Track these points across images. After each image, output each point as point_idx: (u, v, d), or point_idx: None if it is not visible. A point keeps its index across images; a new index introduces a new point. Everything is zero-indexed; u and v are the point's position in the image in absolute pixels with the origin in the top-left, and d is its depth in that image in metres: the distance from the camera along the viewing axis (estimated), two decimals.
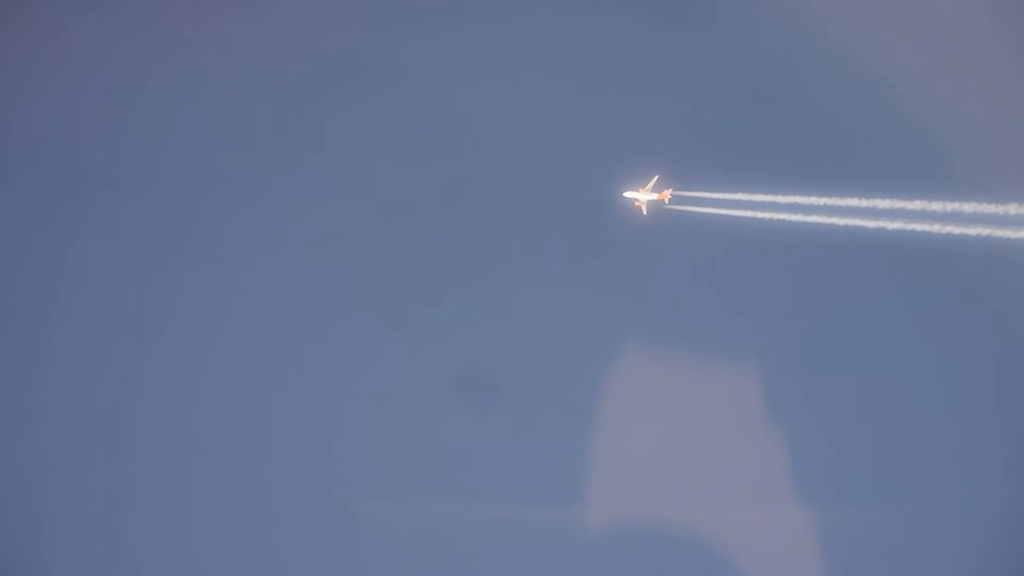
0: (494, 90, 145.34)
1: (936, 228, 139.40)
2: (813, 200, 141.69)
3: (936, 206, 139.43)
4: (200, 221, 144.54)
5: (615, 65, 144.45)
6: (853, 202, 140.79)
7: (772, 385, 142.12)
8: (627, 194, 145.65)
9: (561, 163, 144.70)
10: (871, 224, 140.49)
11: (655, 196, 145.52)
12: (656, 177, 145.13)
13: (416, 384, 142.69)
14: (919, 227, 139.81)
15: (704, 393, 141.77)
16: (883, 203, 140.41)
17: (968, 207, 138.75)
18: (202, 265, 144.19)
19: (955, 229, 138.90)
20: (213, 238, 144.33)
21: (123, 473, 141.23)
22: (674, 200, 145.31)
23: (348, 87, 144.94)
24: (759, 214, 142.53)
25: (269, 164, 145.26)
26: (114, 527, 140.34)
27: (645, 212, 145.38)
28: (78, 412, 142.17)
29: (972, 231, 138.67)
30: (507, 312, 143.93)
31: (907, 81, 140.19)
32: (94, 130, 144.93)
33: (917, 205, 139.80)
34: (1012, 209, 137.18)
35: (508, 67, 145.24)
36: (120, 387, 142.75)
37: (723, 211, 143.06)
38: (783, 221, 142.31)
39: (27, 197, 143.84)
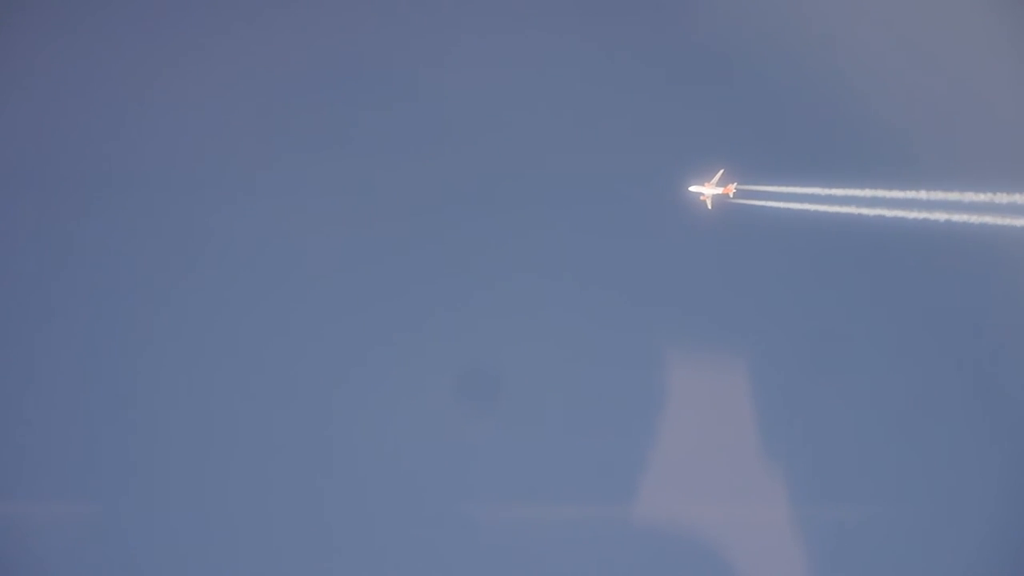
0: (558, 85, 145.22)
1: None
2: (884, 193, 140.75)
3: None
4: (200, 222, 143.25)
5: (679, 58, 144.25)
6: (937, 196, 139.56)
7: (833, 384, 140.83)
8: (692, 188, 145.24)
9: (626, 157, 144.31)
10: (950, 219, 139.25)
11: (720, 190, 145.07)
12: (721, 171, 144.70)
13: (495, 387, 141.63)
14: (1006, 221, 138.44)
15: (757, 393, 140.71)
16: (963, 196, 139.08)
17: None
18: (202, 266, 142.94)
19: None
20: (215, 239, 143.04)
21: (119, 476, 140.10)
22: (739, 194, 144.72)
23: (391, 80, 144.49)
24: (827, 208, 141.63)
25: (280, 164, 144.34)
26: (112, 528, 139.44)
27: (710, 206, 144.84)
28: (76, 413, 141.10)
29: None
30: (570, 308, 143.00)
31: (986, 70, 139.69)
32: (92, 130, 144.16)
33: (1003, 199, 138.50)
34: None
35: (568, 61, 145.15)
36: (118, 389, 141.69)
37: (789, 205, 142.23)
38: (852, 215, 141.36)
39: (22, 198, 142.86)
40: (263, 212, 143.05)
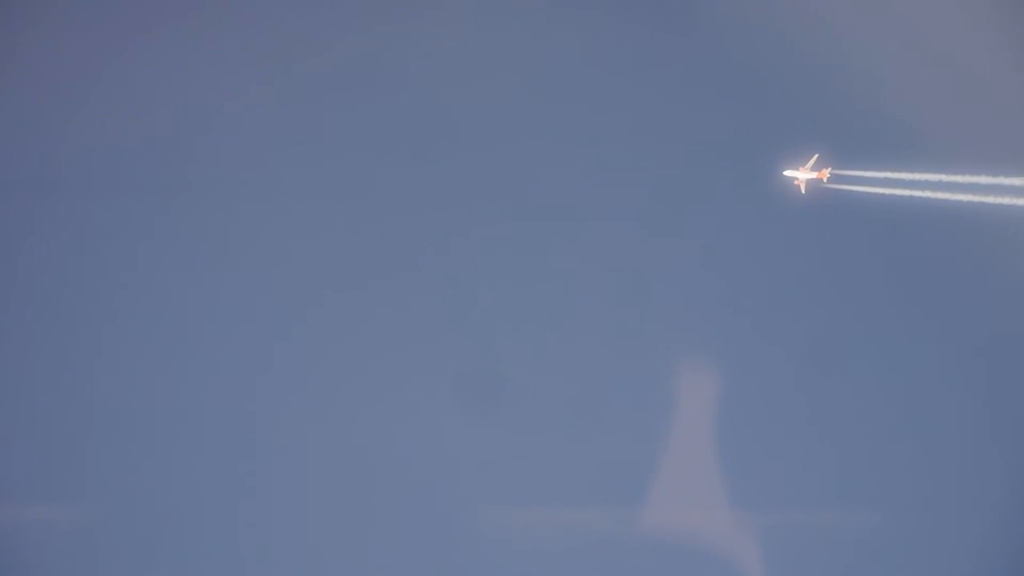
0: (659, 69, 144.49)
1: None
2: (980, 179, 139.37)
3: None
4: (202, 223, 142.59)
5: (779, 44, 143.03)
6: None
7: (930, 380, 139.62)
8: (787, 172, 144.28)
9: (722, 141, 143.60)
10: None
11: (814, 175, 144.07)
12: (816, 156, 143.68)
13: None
14: None
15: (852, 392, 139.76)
16: None
17: None
18: (202, 270, 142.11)
19: None
20: (216, 240, 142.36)
21: (121, 479, 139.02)
22: (833, 179, 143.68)
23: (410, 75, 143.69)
24: (922, 193, 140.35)
25: (291, 164, 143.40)
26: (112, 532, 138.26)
27: (804, 191, 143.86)
28: (78, 416, 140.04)
29: None
30: (670, 295, 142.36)
31: None
32: (95, 131, 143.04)
33: None
34: None
35: (668, 51, 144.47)
36: (125, 389, 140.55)
37: (885, 190, 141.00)
38: (946, 201, 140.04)
39: (27, 200, 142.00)
40: (263, 215, 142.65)
